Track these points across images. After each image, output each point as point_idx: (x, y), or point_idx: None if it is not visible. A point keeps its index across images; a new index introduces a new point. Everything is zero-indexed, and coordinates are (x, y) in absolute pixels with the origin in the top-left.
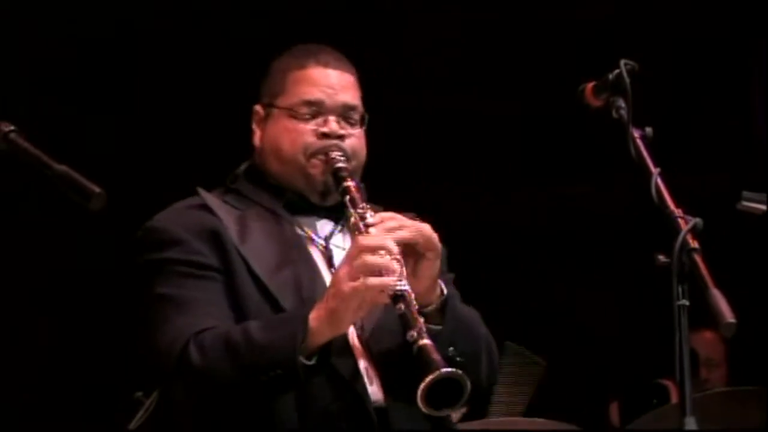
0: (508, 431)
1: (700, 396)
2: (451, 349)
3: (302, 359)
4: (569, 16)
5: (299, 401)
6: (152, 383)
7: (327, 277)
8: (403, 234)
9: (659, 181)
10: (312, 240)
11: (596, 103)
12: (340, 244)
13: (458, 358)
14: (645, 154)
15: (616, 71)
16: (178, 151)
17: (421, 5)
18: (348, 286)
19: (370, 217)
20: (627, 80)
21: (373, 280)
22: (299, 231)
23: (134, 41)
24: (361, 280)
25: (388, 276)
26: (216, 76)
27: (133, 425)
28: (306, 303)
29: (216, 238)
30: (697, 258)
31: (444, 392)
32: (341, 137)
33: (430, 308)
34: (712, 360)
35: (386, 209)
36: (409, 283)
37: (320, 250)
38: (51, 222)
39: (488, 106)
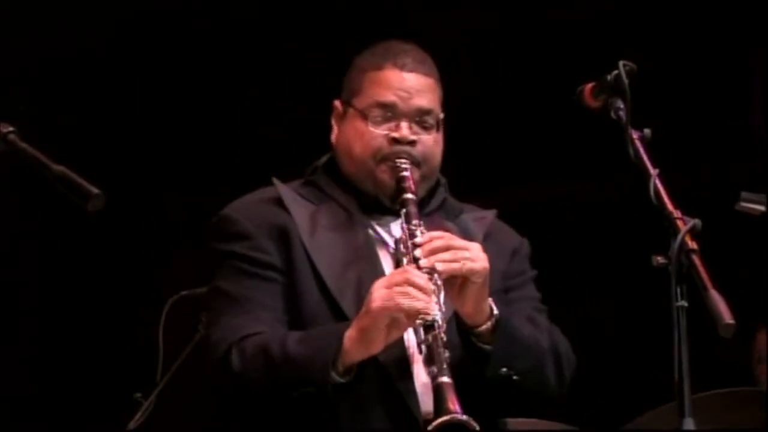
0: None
1: (699, 397)
2: (504, 369)
3: (335, 376)
4: (569, 15)
5: (350, 413)
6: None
7: None
8: (447, 268)
9: (658, 181)
10: (383, 242)
11: (595, 104)
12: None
13: (514, 377)
14: (644, 155)
15: (615, 72)
16: (177, 150)
17: (421, 5)
18: (376, 304)
19: (420, 234)
20: (626, 81)
21: (405, 304)
22: (371, 232)
23: (132, 42)
24: (393, 301)
25: (420, 302)
26: (216, 76)
27: (131, 426)
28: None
29: (283, 236)
30: (696, 259)
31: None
32: (412, 143)
33: (482, 328)
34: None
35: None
36: (457, 304)
37: (390, 253)
38: (51, 219)
39: (488, 106)
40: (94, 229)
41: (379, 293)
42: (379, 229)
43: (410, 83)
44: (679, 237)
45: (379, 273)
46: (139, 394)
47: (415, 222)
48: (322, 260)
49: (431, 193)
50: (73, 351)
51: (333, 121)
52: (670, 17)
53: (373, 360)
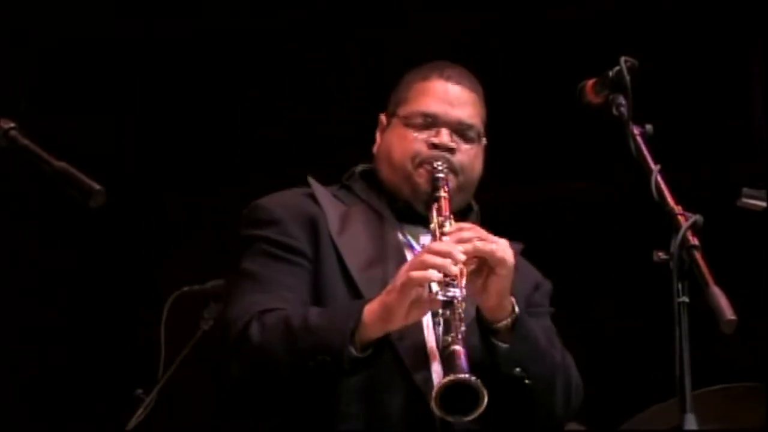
0: None
1: (700, 393)
2: (518, 369)
3: (351, 349)
4: (570, 15)
5: (366, 403)
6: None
7: None
8: (473, 246)
9: (659, 178)
10: (411, 247)
11: (596, 100)
12: None
13: (526, 380)
14: (645, 151)
15: (617, 68)
16: (178, 148)
17: (420, 5)
18: (399, 279)
19: (449, 225)
20: (627, 77)
21: (416, 273)
22: (401, 236)
23: (133, 41)
24: (413, 271)
25: (432, 274)
26: (216, 75)
27: (133, 422)
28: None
29: (313, 226)
30: (697, 255)
31: (464, 400)
32: (451, 150)
33: (500, 325)
34: None
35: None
36: (481, 297)
37: None
38: (51, 218)
39: (488, 105)
40: (96, 226)
41: (403, 268)
42: (409, 236)
43: (454, 94)
44: (681, 233)
45: None
46: (140, 391)
47: (446, 214)
48: (349, 255)
49: (463, 214)
50: (75, 348)
51: (377, 134)
52: (671, 16)
53: (391, 350)
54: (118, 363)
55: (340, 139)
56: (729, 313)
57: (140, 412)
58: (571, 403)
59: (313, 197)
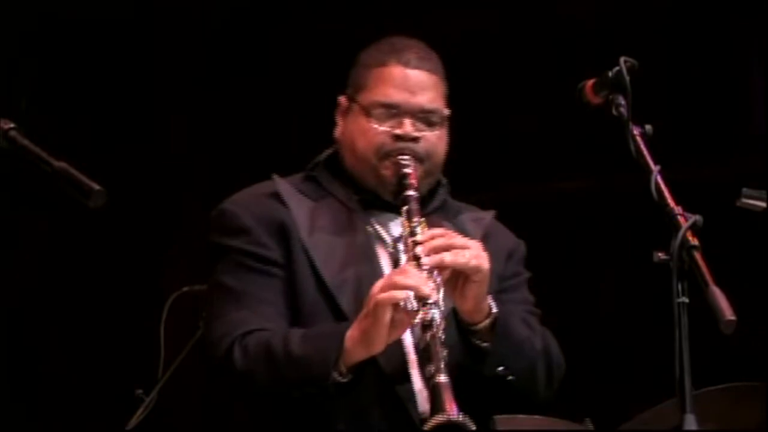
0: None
1: (700, 393)
2: (501, 368)
3: (336, 376)
4: (570, 14)
5: (349, 415)
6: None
7: None
8: (450, 261)
9: (659, 178)
10: (382, 239)
11: (596, 100)
12: None
13: (509, 377)
14: (645, 151)
15: (616, 68)
16: (179, 147)
17: (420, 4)
18: (373, 302)
19: (420, 233)
20: (627, 78)
21: (382, 296)
22: (370, 229)
23: (133, 41)
24: (387, 293)
25: (412, 279)
26: (217, 75)
27: (133, 422)
28: (364, 304)
29: (282, 231)
30: (697, 255)
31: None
32: (415, 139)
33: (479, 326)
34: None
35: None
36: (458, 301)
37: (388, 251)
38: (51, 218)
39: (486, 104)
40: (96, 226)
41: (375, 289)
42: (378, 227)
43: (414, 81)
44: (680, 233)
45: (378, 272)
46: (140, 391)
47: (416, 219)
48: (320, 259)
49: (432, 192)
50: (75, 347)
51: (337, 117)
52: (671, 15)
53: (371, 362)
54: (118, 363)
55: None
56: (729, 313)
57: (140, 412)
58: (552, 384)
59: (278, 197)
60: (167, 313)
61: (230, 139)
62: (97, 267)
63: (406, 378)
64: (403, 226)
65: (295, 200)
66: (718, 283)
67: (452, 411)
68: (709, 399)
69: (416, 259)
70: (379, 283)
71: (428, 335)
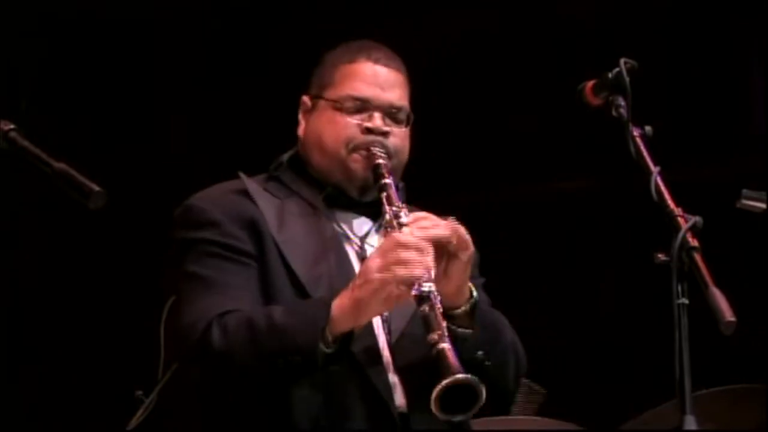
0: (508, 431)
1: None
2: (480, 353)
3: (323, 346)
4: (571, 14)
5: (322, 402)
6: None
7: None
8: (438, 232)
9: (659, 179)
10: (348, 238)
11: (596, 101)
12: (375, 245)
13: (487, 362)
14: (644, 152)
15: (616, 70)
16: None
17: (420, 4)
18: (377, 276)
19: (405, 216)
20: (627, 79)
21: (403, 273)
22: (336, 227)
23: (133, 40)
24: (391, 272)
25: (417, 269)
26: (216, 75)
27: (133, 424)
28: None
29: (253, 226)
30: (697, 256)
31: (459, 398)
32: (385, 134)
33: (459, 311)
34: None
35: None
36: (440, 284)
37: (355, 249)
38: (51, 218)
39: (486, 104)
40: (96, 226)
41: (374, 263)
42: (344, 225)
43: (384, 77)
44: (680, 234)
45: (348, 267)
46: (140, 392)
47: (398, 204)
48: (292, 254)
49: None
50: (75, 348)
51: (300, 116)
52: (671, 15)
53: (348, 357)
54: (117, 364)
55: None
56: (729, 314)
57: (140, 413)
58: (518, 379)
59: (246, 194)
60: (167, 314)
61: (230, 139)
62: (97, 267)
63: (381, 368)
64: (385, 212)
65: (263, 198)
66: (718, 284)
67: (459, 372)
68: (708, 400)
69: None
70: (375, 253)
71: (426, 307)
